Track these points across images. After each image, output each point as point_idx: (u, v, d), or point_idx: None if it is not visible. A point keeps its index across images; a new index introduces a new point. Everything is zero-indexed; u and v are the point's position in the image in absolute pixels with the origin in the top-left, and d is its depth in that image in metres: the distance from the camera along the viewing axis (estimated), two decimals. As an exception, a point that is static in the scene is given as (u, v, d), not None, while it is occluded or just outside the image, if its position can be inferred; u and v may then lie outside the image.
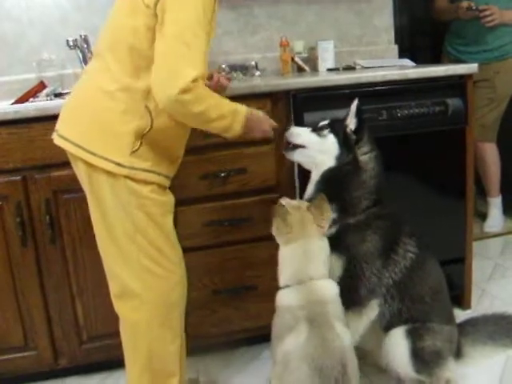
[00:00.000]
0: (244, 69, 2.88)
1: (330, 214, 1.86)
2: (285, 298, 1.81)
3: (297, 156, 2.11)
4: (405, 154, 2.48)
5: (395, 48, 3.36)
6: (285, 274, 1.85)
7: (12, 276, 2.23)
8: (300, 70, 3.08)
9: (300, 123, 2.26)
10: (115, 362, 2.38)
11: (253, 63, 2.95)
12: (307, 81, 2.39)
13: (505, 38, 3.35)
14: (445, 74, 2.50)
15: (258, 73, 2.93)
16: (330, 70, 2.98)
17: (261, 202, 2.33)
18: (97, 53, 1.81)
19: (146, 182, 1.75)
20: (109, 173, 1.71)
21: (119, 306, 1.89)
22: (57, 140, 1.80)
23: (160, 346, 1.86)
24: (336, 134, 2.03)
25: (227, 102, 1.77)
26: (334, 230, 1.99)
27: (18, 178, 2.16)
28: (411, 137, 2.45)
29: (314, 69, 3.06)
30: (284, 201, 1.90)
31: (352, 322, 1.99)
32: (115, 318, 2.27)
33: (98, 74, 1.75)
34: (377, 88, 2.41)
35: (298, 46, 3.09)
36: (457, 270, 2.67)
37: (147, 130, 1.71)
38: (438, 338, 2.02)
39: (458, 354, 2.12)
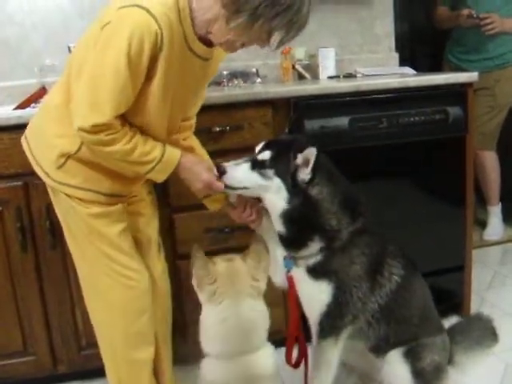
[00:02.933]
0: (245, 76, 2.89)
1: (267, 263, 1.54)
2: (210, 373, 1.49)
3: (241, 194, 1.88)
4: (405, 162, 2.49)
5: (396, 56, 3.37)
6: (208, 342, 1.49)
7: (12, 281, 2.23)
8: (301, 77, 3.09)
9: (300, 130, 2.26)
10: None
11: (254, 70, 2.95)
12: (308, 88, 2.40)
13: (505, 46, 3.36)
14: (445, 83, 2.51)
15: (258, 80, 2.94)
16: (330, 77, 2.99)
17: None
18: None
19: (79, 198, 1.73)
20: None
21: None
22: (23, 144, 1.85)
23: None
24: (283, 178, 1.75)
25: (148, 150, 1.64)
26: (319, 257, 1.84)
27: (19, 183, 2.16)
28: (411, 145, 2.45)
29: (315, 76, 3.06)
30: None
31: (330, 347, 1.91)
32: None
33: (58, 87, 1.75)
34: (377, 96, 2.42)
35: (299, 53, 3.10)
36: (456, 278, 2.67)
37: (73, 151, 1.68)
38: (434, 351, 2.00)
39: (451, 363, 2.11)
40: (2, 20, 2.81)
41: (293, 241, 1.82)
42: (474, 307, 2.75)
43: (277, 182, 1.74)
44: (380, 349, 1.99)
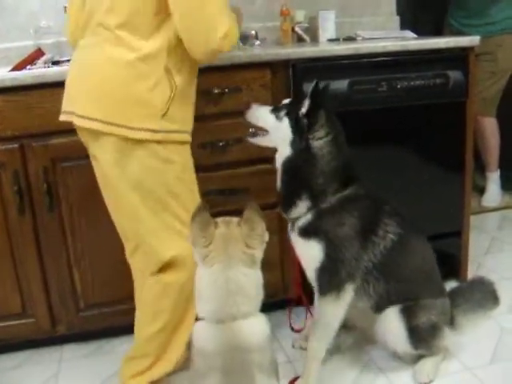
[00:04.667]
0: (244, 38, 2.84)
1: (262, 231, 1.49)
2: (199, 337, 1.48)
3: (259, 142, 2.04)
4: (404, 126, 2.47)
5: (397, 19, 3.33)
6: (201, 304, 1.49)
7: (10, 244, 2.23)
8: (300, 40, 3.05)
9: (299, 93, 2.24)
10: (112, 330, 2.43)
11: (253, 32, 2.91)
12: (307, 51, 2.37)
13: (508, 10, 3.32)
14: (446, 46, 2.48)
15: (257, 42, 2.90)
16: (330, 40, 2.95)
17: (259, 172, 2.33)
18: (96, 24, 1.73)
19: (174, 143, 1.76)
20: (140, 142, 1.70)
21: (150, 265, 1.87)
22: (78, 121, 1.75)
23: (181, 311, 1.87)
24: (290, 118, 1.94)
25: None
26: (309, 216, 1.97)
27: (16, 145, 2.14)
28: (411, 109, 2.44)
29: (315, 39, 3.02)
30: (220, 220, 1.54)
31: (330, 306, 2.01)
32: (112, 287, 2.32)
33: (109, 47, 1.70)
34: (377, 59, 2.39)
35: (299, 15, 3.05)
36: (454, 244, 2.68)
37: (173, 89, 1.71)
38: (432, 312, 2.04)
39: (453, 325, 2.14)
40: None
41: (285, 199, 1.99)
42: (471, 272, 2.77)
43: (285, 122, 1.93)
44: (381, 307, 2.05)
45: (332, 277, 1.97)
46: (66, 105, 1.81)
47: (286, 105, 1.99)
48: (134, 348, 1.97)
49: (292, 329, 2.34)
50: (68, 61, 2.58)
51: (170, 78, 1.70)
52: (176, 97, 1.72)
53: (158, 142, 1.72)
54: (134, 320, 2.07)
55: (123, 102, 1.69)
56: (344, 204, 1.96)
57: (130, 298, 2.10)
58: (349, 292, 1.99)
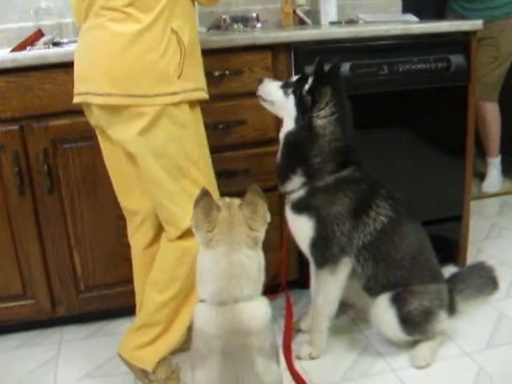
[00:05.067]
0: (245, 20, 2.83)
1: (264, 212, 1.50)
2: (200, 319, 1.49)
3: (267, 106, 2.10)
4: (405, 110, 2.47)
5: (399, 3, 3.30)
6: (202, 286, 1.50)
7: (10, 225, 2.23)
8: (301, 22, 3.03)
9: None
10: (112, 312, 2.43)
11: (254, 15, 2.88)
12: (309, 33, 2.36)
13: (511, -5, 3.29)
14: (449, 30, 2.46)
15: (259, 25, 2.88)
16: (332, 23, 2.93)
17: (259, 155, 2.32)
18: (99, 7, 1.72)
19: (190, 107, 1.79)
20: (161, 109, 1.71)
21: (169, 232, 1.88)
22: (97, 100, 1.74)
23: (192, 281, 1.82)
24: (296, 95, 1.99)
25: None
26: (302, 192, 2.01)
27: (16, 127, 2.14)
28: (412, 93, 2.42)
29: (316, 22, 3.00)
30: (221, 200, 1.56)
31: (326, 280, 2.06)
32: (113, 268, 2.33)
33: (114, 25, 1.70)
34: (379, 42, 2.38)
35: (301, -2, 3.03)
36: (454, 228, 2.69)
37: (183, 49, 1.73)
38: (424, 297, 2.05)
39: (454, 311, 2.15)
40: (-4, -38, 2.74)
41: (282, 172, 2.05)
42: (471, 257, 2.77)
43: (291, 98, 1.98)
44: (371, 288, 2.08)
45: (325, 251, 2.02)
46: (78, 86, 1.80)
47: (294, 81, 2.04)
48: (140, 318, 1.98)
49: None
50: (68, 42, 2.59)
51: (178, 39, 1.72)
52: (186, 56, 1.74)
53: (177, 105, 1.74)
54: (134, 301, 2.09)
55: (138, 73, 1.70)
56: (339, 184, 1.99)
57: (129, 280, 2.12)
58: (345, 265, 2.03)
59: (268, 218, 1.52)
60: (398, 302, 2.03)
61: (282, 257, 2.29)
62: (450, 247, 2.70)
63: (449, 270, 2.34)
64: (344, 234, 1.99)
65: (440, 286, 2.13)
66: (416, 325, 2.06)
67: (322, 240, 2.01)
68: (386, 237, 2.02)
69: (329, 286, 2.07)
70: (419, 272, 2.07)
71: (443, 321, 2.11)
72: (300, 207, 2.03)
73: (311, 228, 2.00)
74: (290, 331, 2.20)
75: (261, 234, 1.50)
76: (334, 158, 1.97)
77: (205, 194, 1.47)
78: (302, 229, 2.05)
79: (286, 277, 2.33)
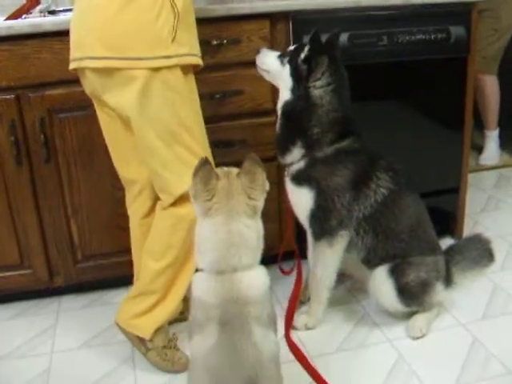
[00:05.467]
0: (243, -10, 2.80)
1: (263, 181, 1.49)
2: (198, 288, 1.49)
3: (265, 76, 2.10)
4: (404, 81, 2.46)
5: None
6: (201, 256, 1.49)
7: (7, 195, 2.23)
8: (301, -8, 2.99)
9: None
10: (109, 281, 2.45)
11: (252, -16, 2.85)
12: (307, 3, 2.31)
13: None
14: (449, 1, 2.43)
15: (257, -6, 2.85)
16: (331, -7, 2.89)
17: (256, 125, 2.31)
18: None
19: (183, 69, 1.78)
20: (156, 72, 1.71)
21: (163, 199, 1.88)
22: (92, 63, 1.73)
23: (188, 248, 1.86)
24: (291, 64, 1.98)
25: None
26: (302, 163, 2.01)
27: (12, 96, 2.12)
28: (411, 64, 2.41)
29: (315, -8, 2.96)
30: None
31: (325, 252, 2.07)
32: (110, 238, 2.34)
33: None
34: (378, 12, 2.35)
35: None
36: (451, 200, 2.69)
37: (176, 14, 1.72)
38: (421, 269, 2.07)
39: (450, 282, 2.17)
40: None
41: (281, 144, 2.05)
42: (467, 229, 2.79)
43: (287, 68, 1.98)
44: (370, 260, 2.09)
45: (323, 223, 2.02)
46: (74, 52, 1.80)
47: (291, 51, 2.02)
48: (137, 287, 1.99)
49: (282, 271, 2.42)
50: (64, 10, 2.56)
51: (171, 3, 1.71)
52: (180, 21, 1.73)
53: (170, 70, 1.73)
54: (131, 271, 2.10)
55: (133, 36, 1.69)
56: (339, 155, 1.98)
57: (126, 249, 2.13)
58: (342, 237, 2.04)
59: (267, 187, 1.51)
60: (396, 273, 2.05)
61: (288, 226, 2.30)
62: (447, 219, 2.71)
63: (446, 242, 2.35)
64: (344, 206, 1.99)
65: (437, 257, 2.14)
66: (413, 296, 2.08)
67: (321, 212, 2.01)
68: (386, 209, 2.02)
69: (327, 258, 2.08)
70: (417, 244, 2.08)
71: (440, 292, 2.12)
72: (300, 179, 2.03)
73: (311, 199, 2.01)
74: (296, 300, 2.21)
75: (259, 203, 1.49)
76: (332, 129, 1.96)
77: (204, 162, 1.45)
78: (301, 200, 2.05)
79: (297, 249, 2.35)
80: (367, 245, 2.06)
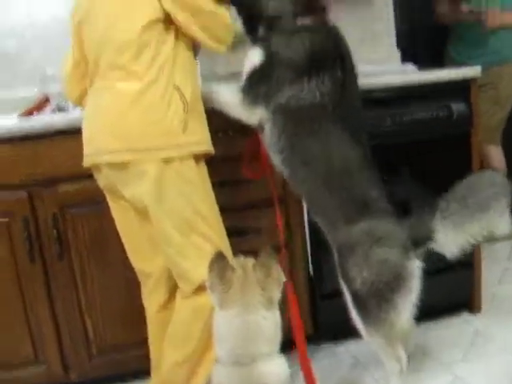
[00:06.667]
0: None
1: (278, 274, 1.49)
2: (218, 379, 1.48)
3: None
4: (410, 160, 2.48)
5: (397, 53, 3.35)
6: (220, 346, 1.49)
7: (21, 291, 2.23)
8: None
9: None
10: (125, 376, 2.41)
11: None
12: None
13: (507, 40, 3.33)
14: (448, 78, 2.49)
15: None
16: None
17: (269, 214, 2.26)
18: (105, 67, 1.79)
19: (195, 161, 1.81)
20: (168, 163, 1.75)
21: (183, 288, 1.88)
22: (108, 158, 1.78)
23: (207, 339, 1.83)
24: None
25: None
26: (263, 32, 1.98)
27: (24, 193, 2.16)
28: (416, 142, 2.43)
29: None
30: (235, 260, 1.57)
31: (243, 108, 1.98)
32: (125, 332, 2.31)
33: (119, 84, 1.76)
34: (380, 94, 2.40)
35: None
36: (466, 275, 2.65)
37: (185, 104, 1.77)
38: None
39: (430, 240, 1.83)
40: (3, 33, 2.83)
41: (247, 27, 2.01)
42: (486, 303, 2.71)
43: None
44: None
45: (253, 83, 1.93)
46: (87, 148, 1.85)
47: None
48: (157, 378, 1.98)
49: None
50: (73, 108, 2.63)
51: (180, 94, 1.77)
52: (190, 110, 1.78)
53: (183, 160, 1.77)
54: (147, 365, 2.07)
55: (145, 128, 1.74)
56: (300, 32, 1.94)
57: (142, 342, 2.10)
58: (260, 109, 1.93)
59: (282, 280, 1.52)
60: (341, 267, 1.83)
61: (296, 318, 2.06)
62: (464, 294, 2.66)
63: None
64: (277, 81, 1.88)
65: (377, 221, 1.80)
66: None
67: (259, 72, 1.93)
68: (307, 124, 1.86)
69: (237, 107, 1.98)
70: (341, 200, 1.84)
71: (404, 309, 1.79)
72: (258, 40, 1.98)
73: (258, 57, 1.93)
74: None
75: (275, 295, 1.50)
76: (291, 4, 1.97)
77: (219, 257, 1.48)
78: (251, 59, 1.97)
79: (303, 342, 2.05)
80: (281, 146, 1.90)
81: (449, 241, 1.78)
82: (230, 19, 1.91)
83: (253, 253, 1.55)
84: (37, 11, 2.85)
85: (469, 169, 2.55)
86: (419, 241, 1.80)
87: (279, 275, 1.50)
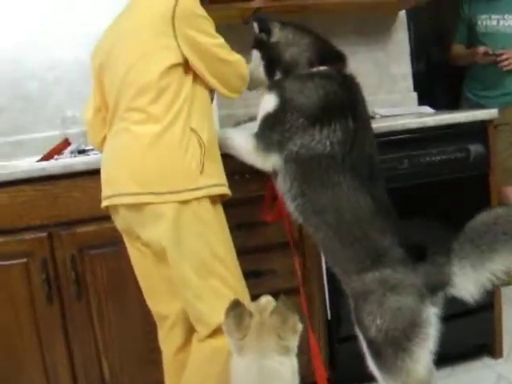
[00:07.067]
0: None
1: (294, 324, 1.48)
2: None
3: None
4: (427, 203, 2.46)
5: (414, 95, 3.38)
6: None
7: (37, 332, 2.23)
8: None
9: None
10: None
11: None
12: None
13: (523, 81, 3.35)
14: (465, 121, 2.50)
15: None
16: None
17: (284, 256, 2.30)
18: (123, 110, 1.82)
19: (212, 199, 1.82)
20: (186, 205, 1.75)
21: (199, 331, 1.87)
22: (125, 200, 1.79)
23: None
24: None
25: None
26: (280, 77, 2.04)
27: (44, 234, 2.18)
28: (434, 184, 2.44)
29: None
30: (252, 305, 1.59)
31: (257, 157, 1.99)
32: (142, 374, 2.30)
33: (136, 127, 1.78)
34: (397, 136, 2.41)
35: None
36: (486, 318, 2.61)
37: (203, 147, 1.79)
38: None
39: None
40: (24, 76, 2.89)
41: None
42: (507, 347, 2.68)
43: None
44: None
45: (267, 130, 1.94)
46: (105, 189, 1.86)
47: (254, 41, 2.11)
48: None
49: None
50: (93, 149, 2.68)
51: (197, 137, 1.79)
52: (206, 153, 1.79)
53: (200, 202, 1.77)
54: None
55: (163, 171, 1.75)
56: (313, 76, 1.96)
57: (159, 385, 2.08)
58: (274, 157, 1.94)
59: (299, 328, 1.51)
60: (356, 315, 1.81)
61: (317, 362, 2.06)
62: (484, 338, 2.62)
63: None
64: (290, 129, 1.89)
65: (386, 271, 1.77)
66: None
67: (272, 119, 1.94)
68: (314, 171, 1.88)
69: (254, 160, 2.01)
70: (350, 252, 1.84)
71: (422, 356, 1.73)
72: (272, 86, 2.02)
73: (272, 103, 1.96)
74: None
75: (291, 343, 1.49)
76: (307, 52, 2.01)
77: (235, 304, 1.49)
78: (265, 106, 1.99)
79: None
80: (296, 190, 1.91)
81: (468, 282, 1.72)
82: (245, 69, 1.95)
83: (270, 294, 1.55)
84: (59, 54, 2.91)
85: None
86: (436, 286, 1.76)
87: (295, 324, 1.50)
